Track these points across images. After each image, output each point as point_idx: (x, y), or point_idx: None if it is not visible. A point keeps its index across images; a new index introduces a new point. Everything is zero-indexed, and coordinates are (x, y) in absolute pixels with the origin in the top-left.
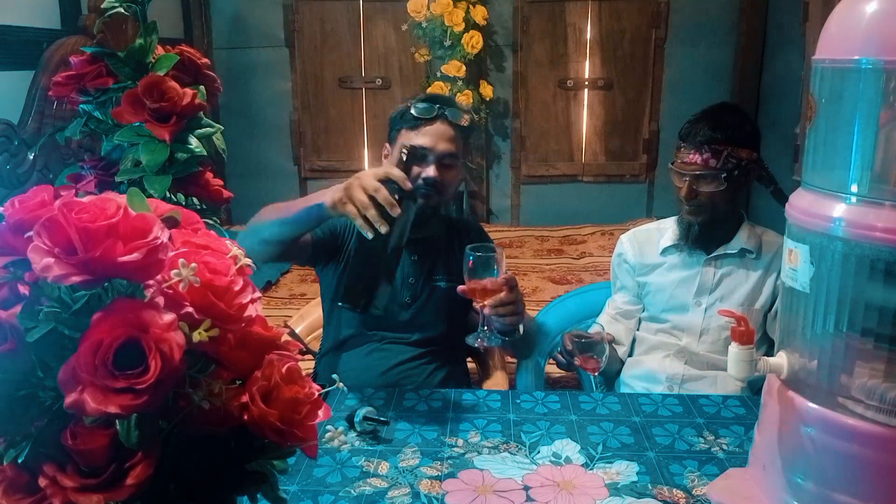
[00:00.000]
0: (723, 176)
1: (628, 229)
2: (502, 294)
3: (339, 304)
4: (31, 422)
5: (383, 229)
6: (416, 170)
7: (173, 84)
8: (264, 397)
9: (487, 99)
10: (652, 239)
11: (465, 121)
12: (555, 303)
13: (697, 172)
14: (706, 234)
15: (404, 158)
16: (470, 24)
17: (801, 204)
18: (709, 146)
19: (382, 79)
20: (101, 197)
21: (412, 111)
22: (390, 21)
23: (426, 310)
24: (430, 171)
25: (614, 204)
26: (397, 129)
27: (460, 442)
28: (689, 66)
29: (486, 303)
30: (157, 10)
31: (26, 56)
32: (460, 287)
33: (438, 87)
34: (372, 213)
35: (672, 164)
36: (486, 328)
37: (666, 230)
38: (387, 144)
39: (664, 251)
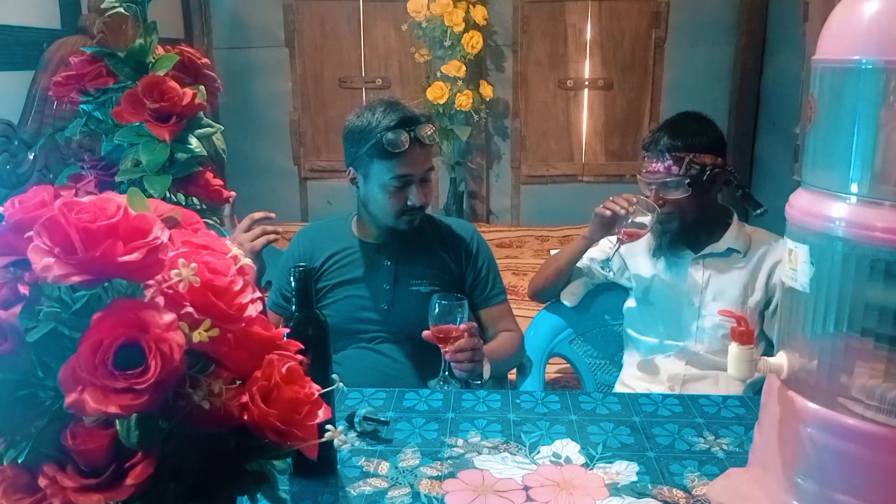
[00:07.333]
0: (686, 182)
1: None
2: (462, 340)
3: None
4: (31, 422)
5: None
6: (399, 197)
7: (173, 84)
8: (264, 397)
9: (487, 99)
10: (642, 243)
11: (433, 131)
12: (554, 302)
13: (661, 180)
14: (682, 240)
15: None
16: (470, 24)
17: (801, 204)
18: (670, 154)
19: (382, 79)
20: (101, 197)
21: (385, 145)
22: (390, 21)
23: (405, 314)
24: (418, 197)
25: None
26: (369, 158)
27: (460, 442)
28: (689, 66)
29: (446, 349)
30: (157, 10)
31: (26, 56)
32: (424, 332)
33: (438, 87)
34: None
35: (638, 174)
36: (446, 373)
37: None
38: (351, 169)
39: (655, 252)
